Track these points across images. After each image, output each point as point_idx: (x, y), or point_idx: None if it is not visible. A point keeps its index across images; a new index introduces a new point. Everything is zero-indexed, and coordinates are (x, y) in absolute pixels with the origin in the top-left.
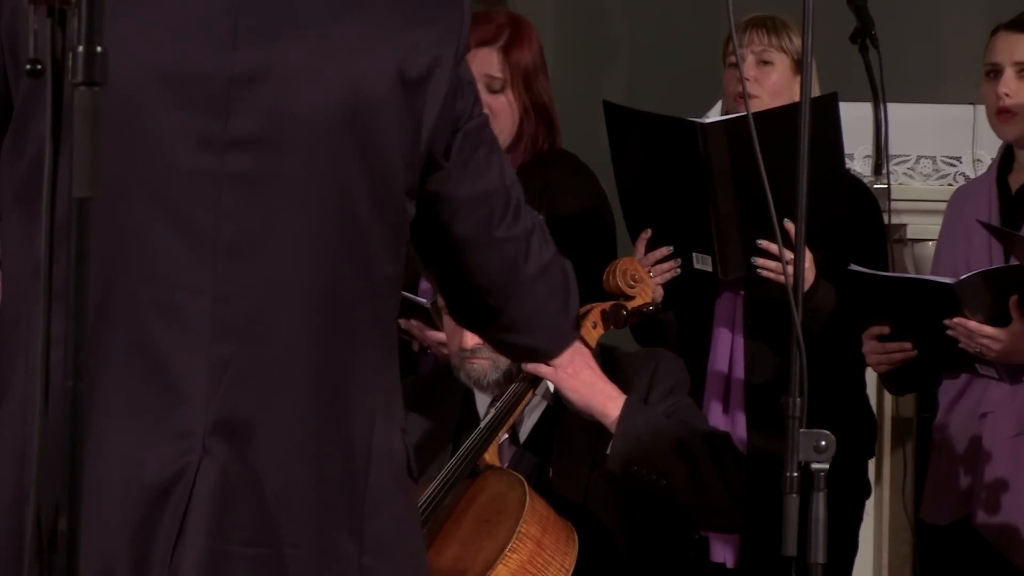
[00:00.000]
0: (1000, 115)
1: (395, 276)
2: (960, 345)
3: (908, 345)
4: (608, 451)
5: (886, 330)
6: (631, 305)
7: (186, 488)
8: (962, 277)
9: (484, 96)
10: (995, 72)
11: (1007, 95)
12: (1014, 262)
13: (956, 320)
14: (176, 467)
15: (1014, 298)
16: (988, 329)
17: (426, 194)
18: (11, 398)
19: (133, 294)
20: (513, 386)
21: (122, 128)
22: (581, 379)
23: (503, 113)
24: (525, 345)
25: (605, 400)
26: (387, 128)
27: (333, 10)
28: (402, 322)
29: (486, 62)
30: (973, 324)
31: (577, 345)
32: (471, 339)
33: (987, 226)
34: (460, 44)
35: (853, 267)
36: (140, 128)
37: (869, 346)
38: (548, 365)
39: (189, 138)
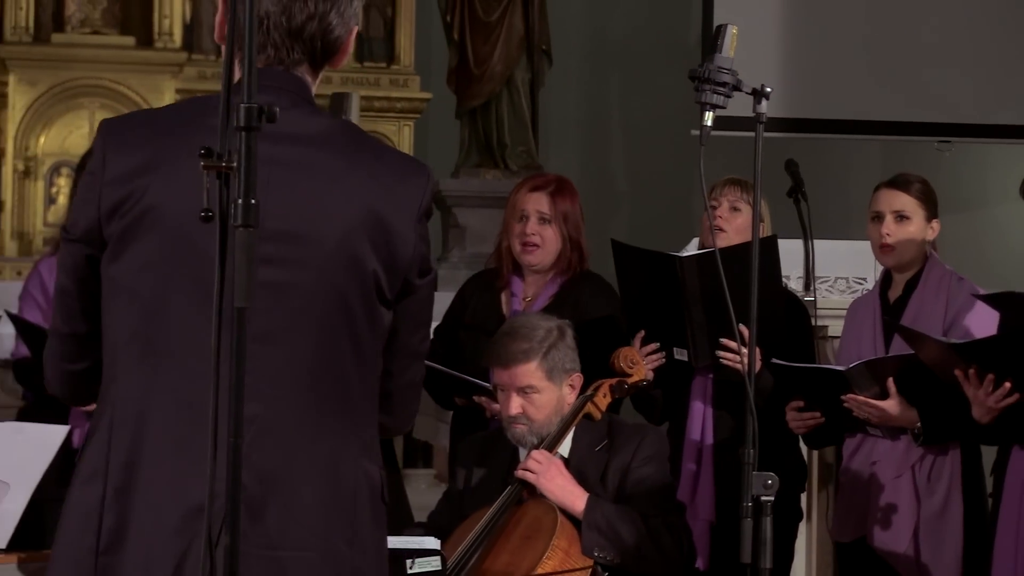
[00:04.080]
0: (882, 249)
1: (377, 359)
2: (854, 414)
3: (818, 414)
4: (581, 542)
5: (801, 404)
6: (630, 381)
7: (220, 507)
8: (851, 365)
9: (536, 227)
10: (878, 218)
11: (887, 235)
12: (891, 353)
13: (849, 396)
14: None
15: (890, 379)
16: (872, 401)
17: (396, 309)
18: (96, 442)
19: (186, 365)
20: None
21: (184, 249)
22: (556, 483)
23: (550, 240)
24: (385, 425)
25: (573, 499)
26: (376, 255)
27: (337, 168)
28: (481, 399)
29: (540, 202)
30: (861, 398)
31: (553, 458)
32: (514, 409)
33: (900, 328)
34: (423, 202)
35: (775, 360)
36: (197, 250)
37: (790, 415)
38: (533, 473)
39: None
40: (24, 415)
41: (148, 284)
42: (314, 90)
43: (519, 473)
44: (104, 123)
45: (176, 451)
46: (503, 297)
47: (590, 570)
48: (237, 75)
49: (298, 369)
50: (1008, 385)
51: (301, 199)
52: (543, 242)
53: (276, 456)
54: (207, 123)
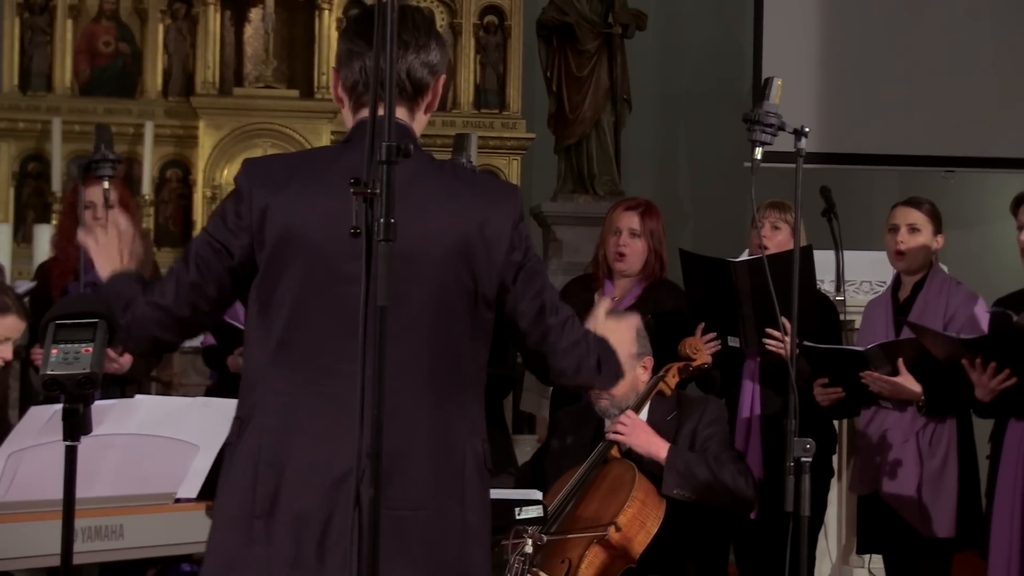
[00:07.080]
0: (896, 255)
1: (484, 355)
2: (869, 388)
3: (839, 389)
4: (663, 483)
5: (826, 380)
6: (694, 364)
7: (362, 472)
8: (868, 346)
9: (627, 239)
10: (894, 229)
11: (901, 243)
12: (903, 337)
13: (866, 373)
14: (350, 464)
15: (901, 360)
16: (885, 378)
17: (503, 306)
18: (250, 429)
19: (323, 365)
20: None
21: (322, 269)
22: (642, 438)
23: (637, 251)
24: (574, 384)
25: (657, 449)
26: (473, 267)
27: (440, 198)
28: None
29: (631, 220)
30: (875, 375)
31: (637, 418)
32: None
33: (911, 324)
34: (516, 216)
35: (806, 343)
36: (330, 269)
37: (816, 390)
38: (623, 434)
39: (354, 274)
40: (211, 392)
41: (292, 300)
42: (419, 131)
43: (610, 435)
44: (247, 162)
45: (321, 433)
46: (596, 296)
47: (662, 517)
48: (352, 122)
49: (416, 364)
50: (1007, 372)
51: (412, 225)
52: (631, 252)
53: (401, 436)
54: (335, 165)
